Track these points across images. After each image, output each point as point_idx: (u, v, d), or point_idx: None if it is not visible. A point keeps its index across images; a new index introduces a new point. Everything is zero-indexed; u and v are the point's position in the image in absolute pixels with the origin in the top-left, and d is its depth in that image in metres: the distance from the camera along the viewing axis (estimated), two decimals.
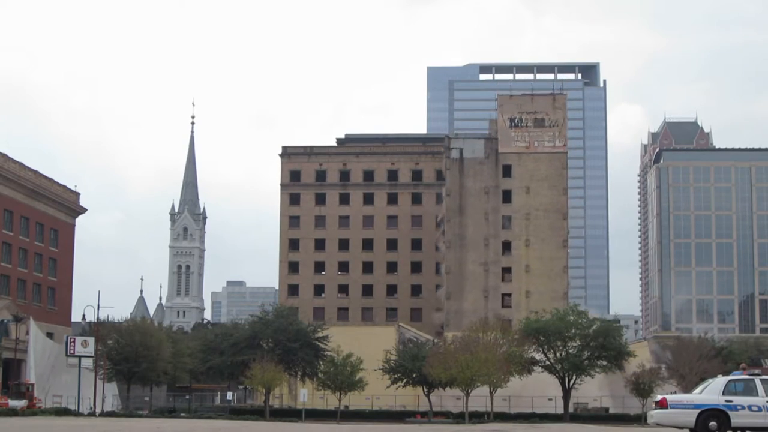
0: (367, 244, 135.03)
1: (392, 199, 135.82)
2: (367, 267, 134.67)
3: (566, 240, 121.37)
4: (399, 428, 50.29)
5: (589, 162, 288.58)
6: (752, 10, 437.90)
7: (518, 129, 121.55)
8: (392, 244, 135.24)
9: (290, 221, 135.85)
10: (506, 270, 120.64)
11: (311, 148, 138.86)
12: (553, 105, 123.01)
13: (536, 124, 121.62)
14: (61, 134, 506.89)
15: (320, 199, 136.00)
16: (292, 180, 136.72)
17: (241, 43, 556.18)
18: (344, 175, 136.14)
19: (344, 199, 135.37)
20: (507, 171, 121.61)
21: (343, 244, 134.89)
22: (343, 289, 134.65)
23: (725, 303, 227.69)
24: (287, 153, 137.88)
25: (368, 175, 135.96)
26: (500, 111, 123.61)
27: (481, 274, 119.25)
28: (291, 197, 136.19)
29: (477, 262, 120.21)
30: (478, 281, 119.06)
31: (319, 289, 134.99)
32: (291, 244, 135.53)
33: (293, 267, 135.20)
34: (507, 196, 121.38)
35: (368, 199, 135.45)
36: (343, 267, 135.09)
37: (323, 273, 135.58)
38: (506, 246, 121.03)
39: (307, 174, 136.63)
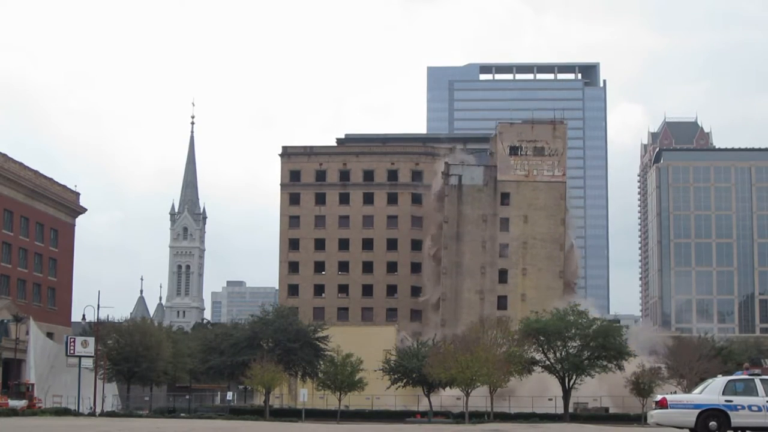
0: (367, 244, 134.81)
1: (392, 199, 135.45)
2: (367, 267, 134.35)
3: (563, 271, 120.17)
4: (399, 428, 50.30)
5: (589, 162, 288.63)
6: (752, 10, 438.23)
7: (518, 157, 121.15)
8: (392, 244, 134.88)
9: (290, 221, 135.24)
10: (502, 298, 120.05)
11: (311, 148, 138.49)
12: (553, 134, 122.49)
13: (536, 152, 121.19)
14: (60, 134, 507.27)
15: (320, 199, 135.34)
16: (292, 180, 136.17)
17: (241, 43, 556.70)
18: (344, 175, 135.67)
19: (344, 199, 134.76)
20: (505, 199, 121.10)
21: (343, 244, 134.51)
22: (343, 289, 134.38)
23: (725, 303, 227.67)
24: (287, 153, 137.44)
25: (368, 175, 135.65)
26: (500, 138, 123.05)
27: (476, 302, 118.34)
28: (291, 197, 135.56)
29: (473, 289, 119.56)
30: (474, 309, 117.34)
31: (319, 289, 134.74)
32: (291, 244, 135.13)
33: (293, 267, 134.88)
34: (505, 224, 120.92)
35: (368, 199, 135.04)
36: (343, 267, 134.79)
37: (323, 273, 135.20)
38: (503, 274, 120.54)
39: (307, 174, 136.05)
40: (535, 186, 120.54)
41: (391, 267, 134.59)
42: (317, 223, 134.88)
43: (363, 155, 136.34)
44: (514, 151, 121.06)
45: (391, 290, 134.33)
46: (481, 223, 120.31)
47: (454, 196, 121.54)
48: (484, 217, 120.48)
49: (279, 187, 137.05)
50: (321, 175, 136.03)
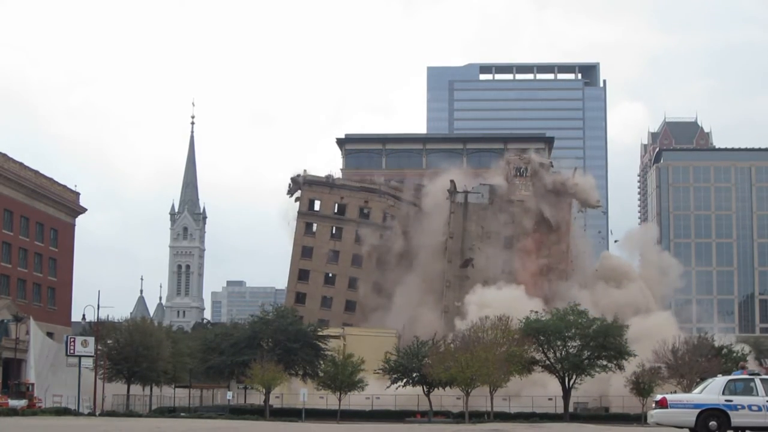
0: (377, 287, 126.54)
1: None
2: None
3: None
4: (399, 428, 50.37)
5: (589, 162, 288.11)
6: (753, 10, 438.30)
7: (523, 178, 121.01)
8: None
9: (303, 251, 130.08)
10: None
11: (333, 179, 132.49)
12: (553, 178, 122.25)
13: (539, 178, 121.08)
14: (60, 134, 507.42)
15: (336, 234, 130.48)
16: (310, 209, 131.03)
17: (241, 43, 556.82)
18: (363, 214, 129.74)
19: (361, 237, 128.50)
20: (509, 218, 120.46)
21: (353, 283, 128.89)
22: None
23: (725, 303, 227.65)
24: (308, 181, 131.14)
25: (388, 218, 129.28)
26: (506, 160, 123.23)
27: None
28: (307, 227, 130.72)
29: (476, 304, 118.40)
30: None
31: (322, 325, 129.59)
32: (300, 275, 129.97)
33: (300, 298, 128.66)
34: (508, 241, 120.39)
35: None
36: (350, 306, 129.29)
37: (329, 309, 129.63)
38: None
39: (326, 206, 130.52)
40: (539, 212, 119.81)
41: None
42: (330, 258, 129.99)
43: (386, 195, 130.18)
44: (519, 172, 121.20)
45: None
46: (485, 240, 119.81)
47: (459, 213, 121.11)
48: (488, 234, 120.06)
49: (296, 215, 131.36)
50: (341, 209, 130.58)
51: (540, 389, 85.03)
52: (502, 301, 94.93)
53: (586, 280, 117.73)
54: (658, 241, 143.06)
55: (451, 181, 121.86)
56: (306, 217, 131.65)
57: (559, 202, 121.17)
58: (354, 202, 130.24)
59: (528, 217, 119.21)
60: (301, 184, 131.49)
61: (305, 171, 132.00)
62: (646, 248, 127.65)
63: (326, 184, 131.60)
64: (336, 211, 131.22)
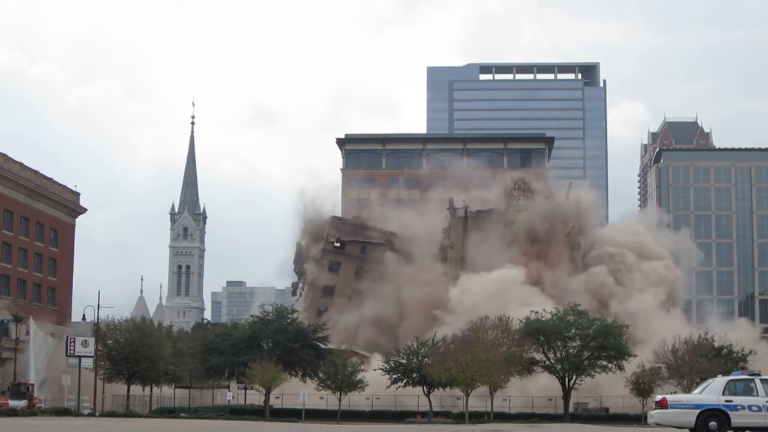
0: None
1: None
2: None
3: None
4: (399, 428, 50.40)
5: (589, 162, 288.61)
6: (753, 9, 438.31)
7: (521, 191, 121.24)
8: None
9: (324, 290, 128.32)
10: None
11: (362, 221, 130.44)
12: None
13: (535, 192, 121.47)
14: (60, 133, 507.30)
15: (359, 273, 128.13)
16: (335, 247, 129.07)
17: (241, 44, 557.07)
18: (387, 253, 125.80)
19: (382, 277, 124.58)
20: (509, 227, 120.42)
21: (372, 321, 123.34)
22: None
23: (725, 303, 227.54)
24: (335, 223, 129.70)
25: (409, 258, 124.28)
26: (506, 175, 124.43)
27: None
28: (330, 265, 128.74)
29: None
30: None
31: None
32: (317, 314, 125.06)
33: None
34: (506, 247, 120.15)
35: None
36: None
37: (343, 347, 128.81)
38: None
39: (351, 245, 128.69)
40: (535, 227, 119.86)
41: None
42: (351, 296, 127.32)
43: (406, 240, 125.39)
44: (518, 185, 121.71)
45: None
46: (485, 248, 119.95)
47: (460, 225, 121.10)
48: (486, 239, 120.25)
49: (321, 251, 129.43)
50: (364, 249, 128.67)
51: (539, 380, 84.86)
52: (484, 286, 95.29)
53: (584, 263, 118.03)
54: (659, 224, 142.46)
55: (450, 200, 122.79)
56: (329, 254, 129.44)
57: (555, 222, 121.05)
58: (380, 245, 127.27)
59: (525, 229, 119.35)
60: (328, 228, 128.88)
61: (328, 215, 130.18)
62: (649, 231, 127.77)
63: (353, 224, 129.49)
64: (361, 251, 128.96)
